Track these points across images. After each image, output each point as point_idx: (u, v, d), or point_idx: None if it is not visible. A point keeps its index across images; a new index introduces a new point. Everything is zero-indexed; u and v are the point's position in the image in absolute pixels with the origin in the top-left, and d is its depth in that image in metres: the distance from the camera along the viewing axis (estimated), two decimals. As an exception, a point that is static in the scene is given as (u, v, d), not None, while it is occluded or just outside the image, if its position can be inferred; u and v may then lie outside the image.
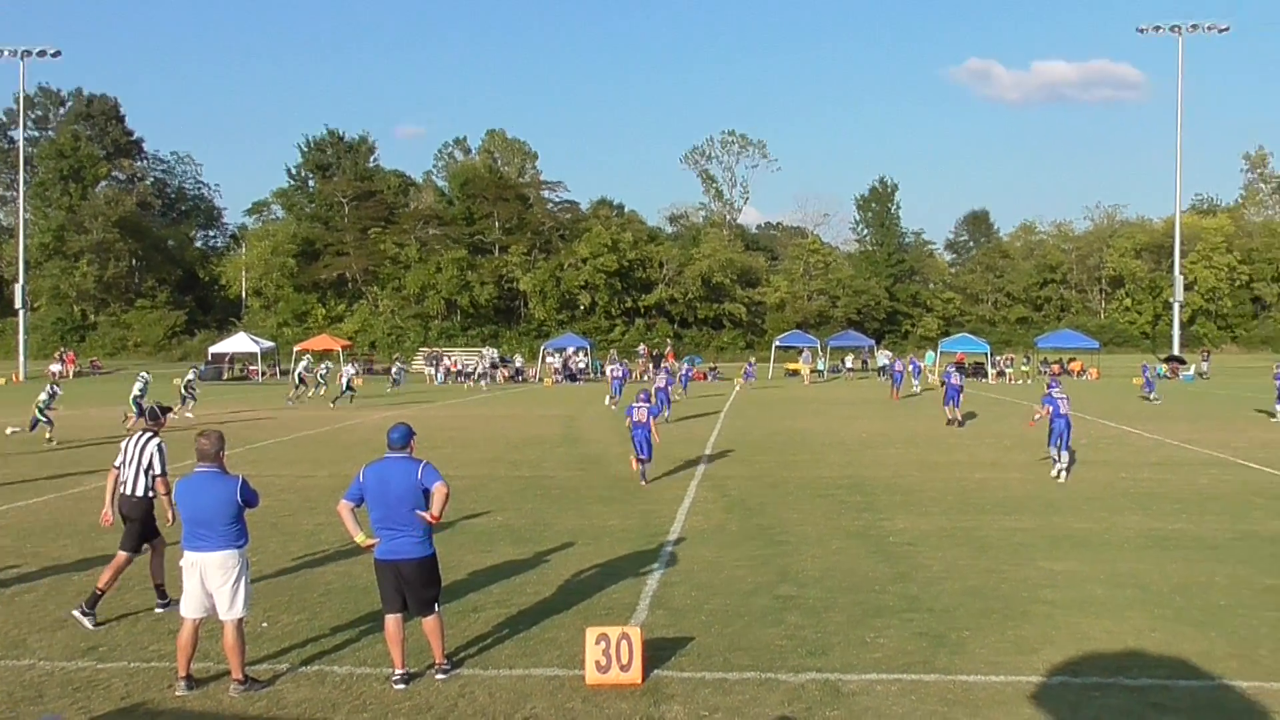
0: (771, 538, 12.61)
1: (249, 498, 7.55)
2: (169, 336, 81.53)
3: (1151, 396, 37.51)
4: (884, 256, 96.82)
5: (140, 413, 23.67)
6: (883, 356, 56.71)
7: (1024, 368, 54.75)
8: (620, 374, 37.44)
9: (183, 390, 32.36)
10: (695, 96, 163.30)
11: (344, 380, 37.63)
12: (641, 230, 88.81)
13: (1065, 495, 15.77)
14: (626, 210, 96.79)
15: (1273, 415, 28.74)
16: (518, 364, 58.33)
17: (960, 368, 55.77)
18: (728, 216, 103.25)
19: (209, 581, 7.37)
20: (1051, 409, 18.29)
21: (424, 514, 7.46)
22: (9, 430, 24.76)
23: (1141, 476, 17.70)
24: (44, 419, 23.90)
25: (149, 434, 9.72)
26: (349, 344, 66.50)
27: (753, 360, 55.45)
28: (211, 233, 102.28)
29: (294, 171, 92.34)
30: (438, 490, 7.44)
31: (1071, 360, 58.86)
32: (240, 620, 7.42)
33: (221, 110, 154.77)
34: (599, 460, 20.40)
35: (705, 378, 54.11)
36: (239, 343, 60.24)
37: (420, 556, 7.50)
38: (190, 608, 7.43)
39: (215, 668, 7.78)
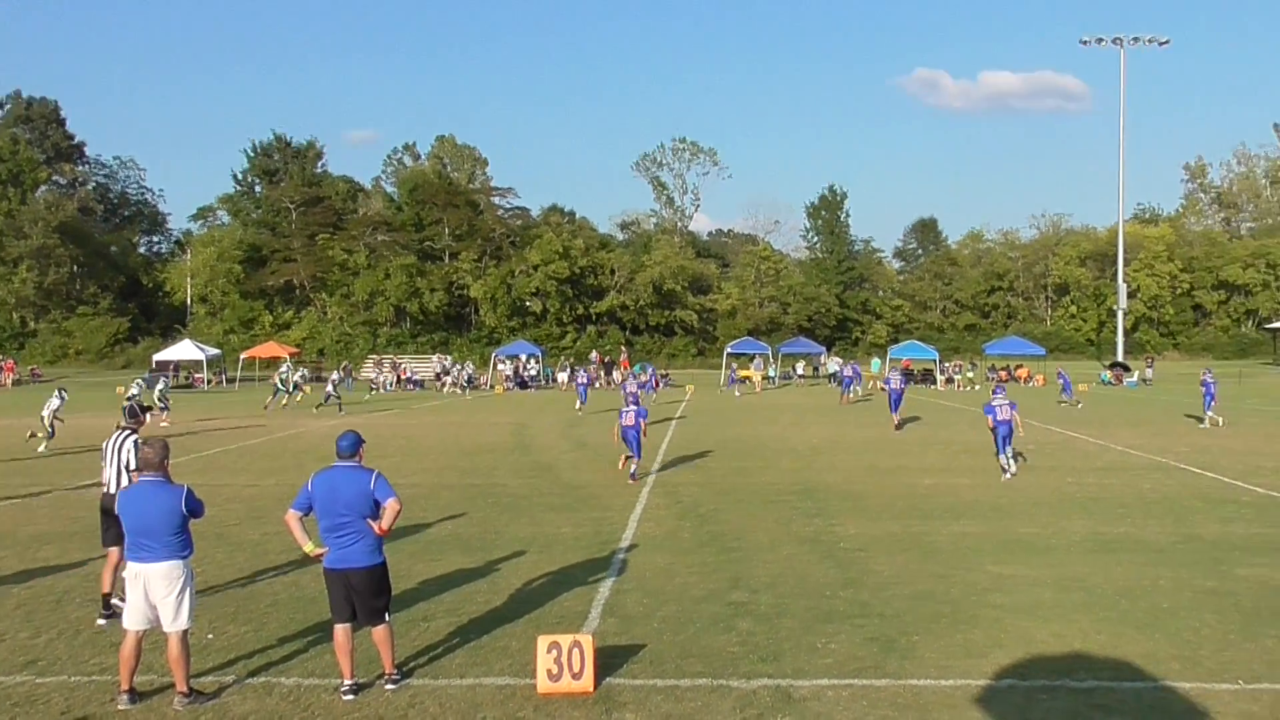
0: (723, 544, 12.64)
1: (194, 507, 7.43)
2: (111, 344, 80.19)
3: (1071, 401, 38.45)
4: (834, 264, 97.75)
5: (51, 434, 24.12)
6: (833, 363, 57.12)
7: (969, 374, 55.52)
8: (584, 380, 38.71)
9: (156, 400, 32.21)
10: (646, 104, 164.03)
11: (329, 387, 38.10)
12: (593, 237, 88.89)
13: (1013, 500, 15.97)
14: (578, 217, 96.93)
15: (1201, 420, 29.41)
16: (469, 371, 58.05)
17: (908, 374, 56.46)
18: (679, 224, 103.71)
19: (153, 593, 7.25)
20: (991, 417, 18.85)
21: (374, 524, 7.43)
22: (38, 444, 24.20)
23: (1087, 481, 17.97)
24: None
25: (127, 431, 9.82)
26: (296, 351, 65.78)
27: (734, 366, 55.86)
28: (155, 239, 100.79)
29: (240, 177, 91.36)
30: (390, 506, 7.43)
31: (1018, 367, 59.69)
32: (185, 632, 7.31)
33: (166, 114, 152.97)
34: (550, 468, 20.35)
35: (658, 385, 54.19)
36: (184, 350, 59.34)
37: (370, 565, 7.44)
38: (133, 619, 7.30)
39: (159, 680, 7.66)
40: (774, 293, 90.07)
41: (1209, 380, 29.54)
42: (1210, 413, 28.92)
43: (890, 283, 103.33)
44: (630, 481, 17.88)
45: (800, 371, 61.57)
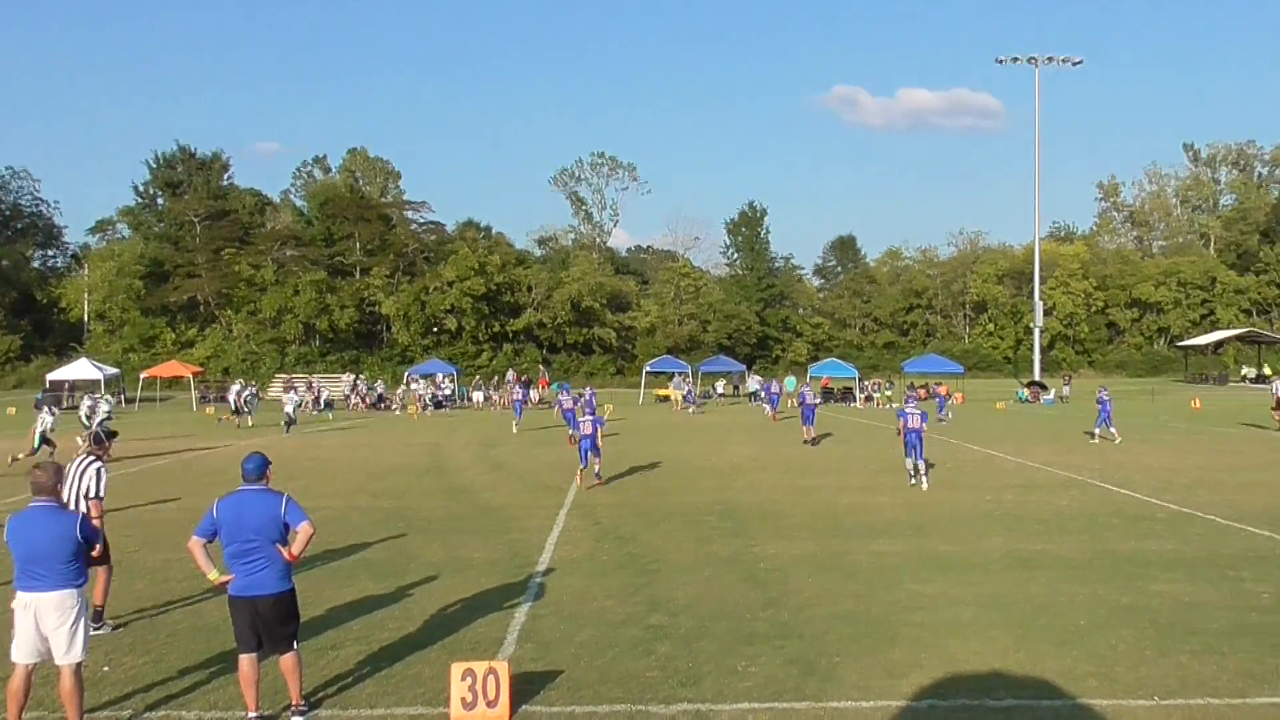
0: (642, 566, 12.64)
1: (89, 534, 7.21)
2: (2, 363, 77.80)
3: (944, 417, 39.70)
4: (754, 281, 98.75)
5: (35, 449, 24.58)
6: (753, 381, 57.56)
7: (888, 392, 56.32)
8: (520, 396, 39.27)
9: (91, 423, 30.69)
10: (565, 118, 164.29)
11: (287, 409, 37.99)
12: (509, 253, 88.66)
13: (932, 518, 16.23)
14: (494, 232, 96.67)
15: (1092, 436, 30.35)
16: (379, 391, 57.39)
17: (828, 392, 57.16)
18: (597, 239, 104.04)
19: (44, 623, 6.99)
20: (903, 421, 20.25)
21: (284, 549, 7.30)
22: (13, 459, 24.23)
23: (1005, 499, 18.35)
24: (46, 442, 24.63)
25: (91, 458, 9.88)
26: (200, 370, 64.47)
27: (688, 381, 55.96)
28: (50, 252, 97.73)
29: (142, 189, 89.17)
30: (303, 530, 7.31)
31: (937, 384, 60.55)
32: (79, 665, 7.07)
33: (62, 123, 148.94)
34: (465, 490, 20.18)
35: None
36: (80, 369, 57.62)
37: (278, 592, 7.31)
38: (22, 652, 7.03)
39: (51, 717, 7.44)
40: (694, 310, 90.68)
41: (1104, 398, 30.61)
42: (1102, 429, 29.86)
43: (810, 300, 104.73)
44: (595, 482, 20.18)
45: (720, 390, 61.99)
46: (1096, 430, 30.14)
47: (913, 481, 19.88)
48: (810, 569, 12.44)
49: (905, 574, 12.16)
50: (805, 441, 29.68)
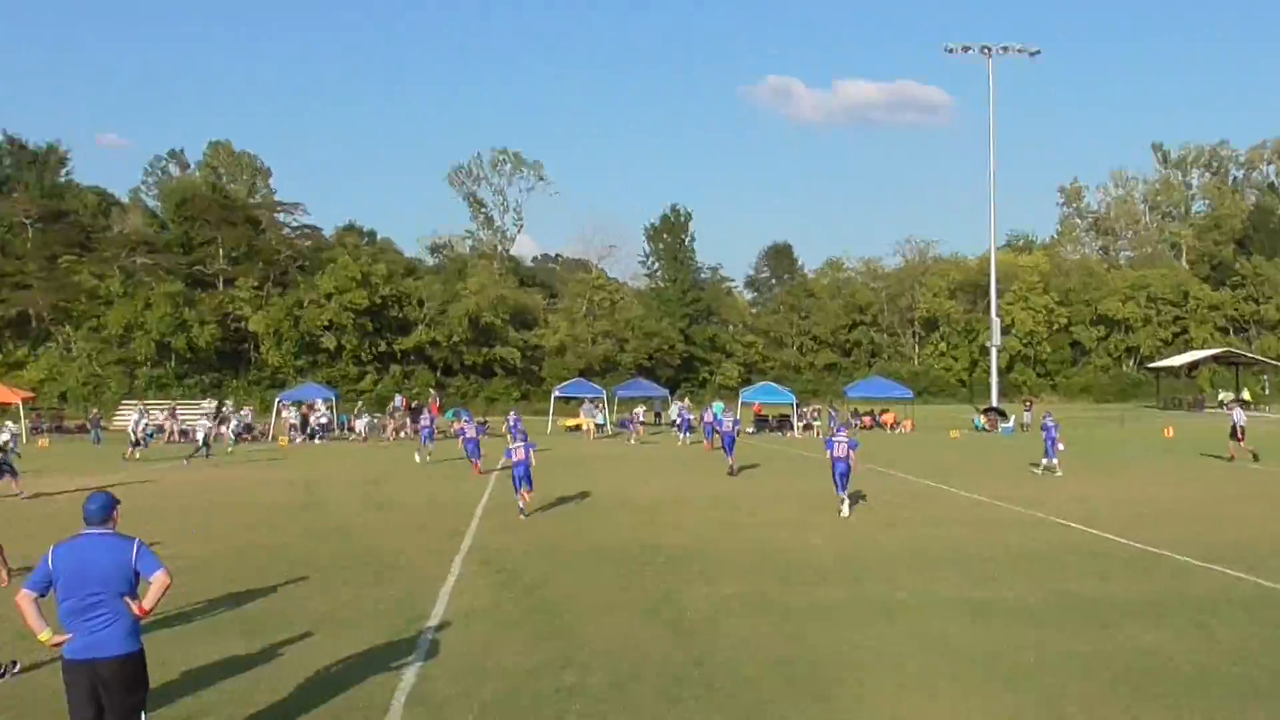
0: (552, 616, 12.70)
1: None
2: None
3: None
4: (678, 294, 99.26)
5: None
6: (677, 408, 57.77)
7: (831, 421, 56.86)
8: (429, 423, 39.77)
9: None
10: (461, 109, 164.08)
11: (200, 434, 38.46)
12: (397, 262, 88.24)
13: (874, 558, 16.51)
14: (379, 238, 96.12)
15: (1036, 467, 31.22)
16: (247, 419, 56.58)
17: (762, 420, 57.64)
18: (499, 247, 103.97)
19: None
20: (830, 451, 21.92)
21: (133, 603, 7.15)
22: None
23: (954, 535, 18.75)
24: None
25: None
26: (31, 395, 62.88)
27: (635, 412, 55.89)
28: None
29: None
30: (157, 580, 7.14)
31: (884, 411, 61.43)
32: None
33: None
34: (346, 531, 20.04)
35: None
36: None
37: (125, 653, 7.12)
38: None
39: None
40: (609, 327, 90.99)
41: (1050, 425, 31.27)
42: (1049, 460, 30.50)
43: (742, 316, 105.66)
44: (521, 518, 21.23)
45: (640, 417, 62.21)
46: (1043, 461, 30.76)
47: (843, 513, 21.28)
48: (741, 613, 12.62)
49: (845, 620, 12.39)
50: (729, 471, 31.16)
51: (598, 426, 55.06)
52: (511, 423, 34.11)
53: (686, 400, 63.46)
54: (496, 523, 21.13)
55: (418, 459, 36.34)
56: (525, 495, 21.81)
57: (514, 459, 21.93)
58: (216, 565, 16.31)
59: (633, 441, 48.14)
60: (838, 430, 23.32)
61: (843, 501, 21.70)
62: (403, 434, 50.55)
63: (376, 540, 18.85)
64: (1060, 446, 30.55)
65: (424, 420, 40.24)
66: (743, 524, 20.57)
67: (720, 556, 16.75)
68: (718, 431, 34.58)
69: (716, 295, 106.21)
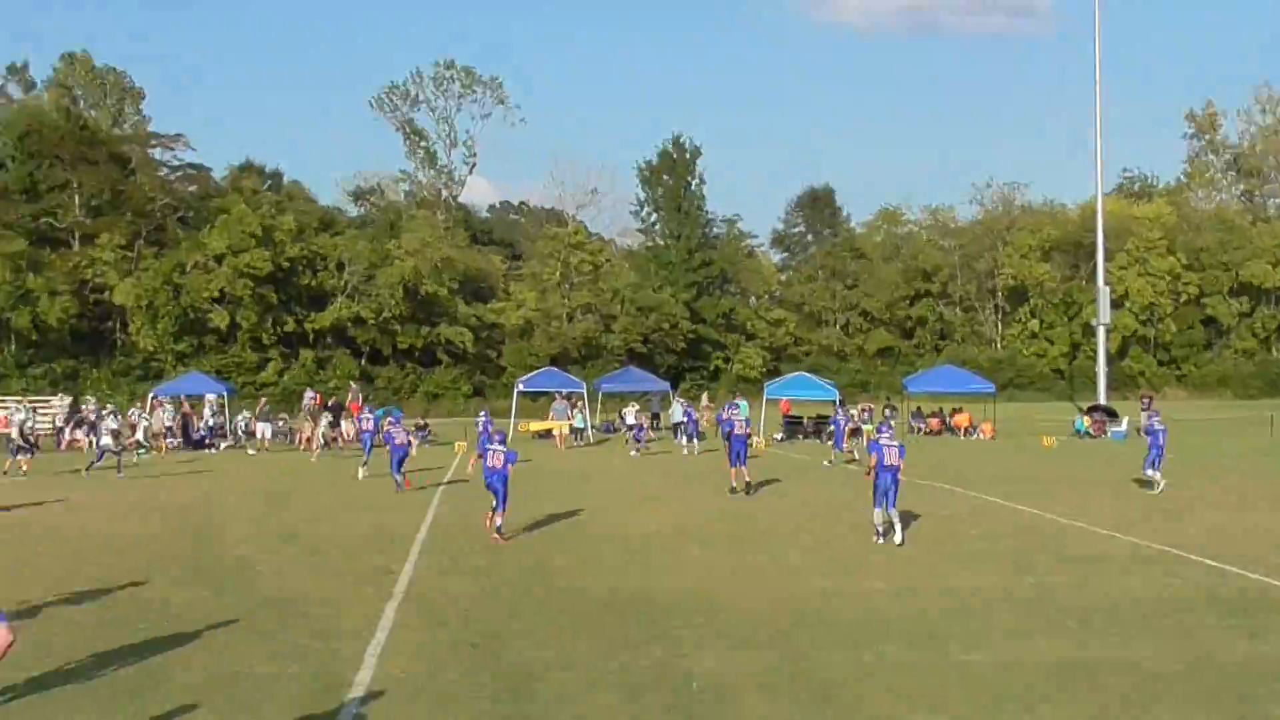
0: (513, 690, 12.65)
1: None
2: None
3: (840, 458, 41.58)
4: (682, 256, 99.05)
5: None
6: (680, 407, 57.39)
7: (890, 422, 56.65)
8: (372, 427, 39.81)
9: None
10: (394, 9, 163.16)
11: (105, 439, 40.03)
12: (310, 213, 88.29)
13: (947, 611, 16.38)
14: (286, 182, 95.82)
15: (1147, 484, 31.47)
16: (110, 421, 56.35)
17: (794, 421, 57.45)
18: (445, 193, 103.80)
19: None
20: (877, 458, 21.89)
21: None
22: None
23: (1051, 580, 18.64)
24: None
25: None
26: None
27: (634, 413, 55.96)
28: None
29: None
30: (-1, 639, 7.14)
31: (956, 411, 61.11)
32: None
33: None
34: (242, 572, 19.96)
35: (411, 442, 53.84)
36: None
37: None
38: None
39: None
40: (591, 299, 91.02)
41: (1156, 427, 31.67)
42: (1152, 471, 30.55)
43: (767, 285, 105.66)
44: (494, 539, 22.52)
45: (631, 420, 62.02)
46: (1147, 473, 30.85)
47: (880, 539, 22.02)
48: (766, 691, 12.50)
49: (909, 696, 12.29)
50: (734, 489, 31.53)
51: (575, 432, 54.87)
52: (481, 424, 34.49)
53: (705, 398, 63.32)
54: (441, 558, 21.11)
55: (362, 474, 36.36)
56: (498, 518, 22.82)
57: (488, 464, 23.00)
58: (62, 619, 16.20)
59: (635, 454, 47.81)
60: (882, 429, 23.71)
61: (890, 524, 22.04)
62: (318, 443, 50.47)
63: (282, 583, 18.77)
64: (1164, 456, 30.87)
65: (365, 423, 39.94)
66: (765, 566, 20.42)
67: (737, 608, 16.65)
68: (722, 435, 34.67)
69: (734, 257, 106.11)
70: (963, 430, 58.50)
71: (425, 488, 32.42)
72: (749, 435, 34.29)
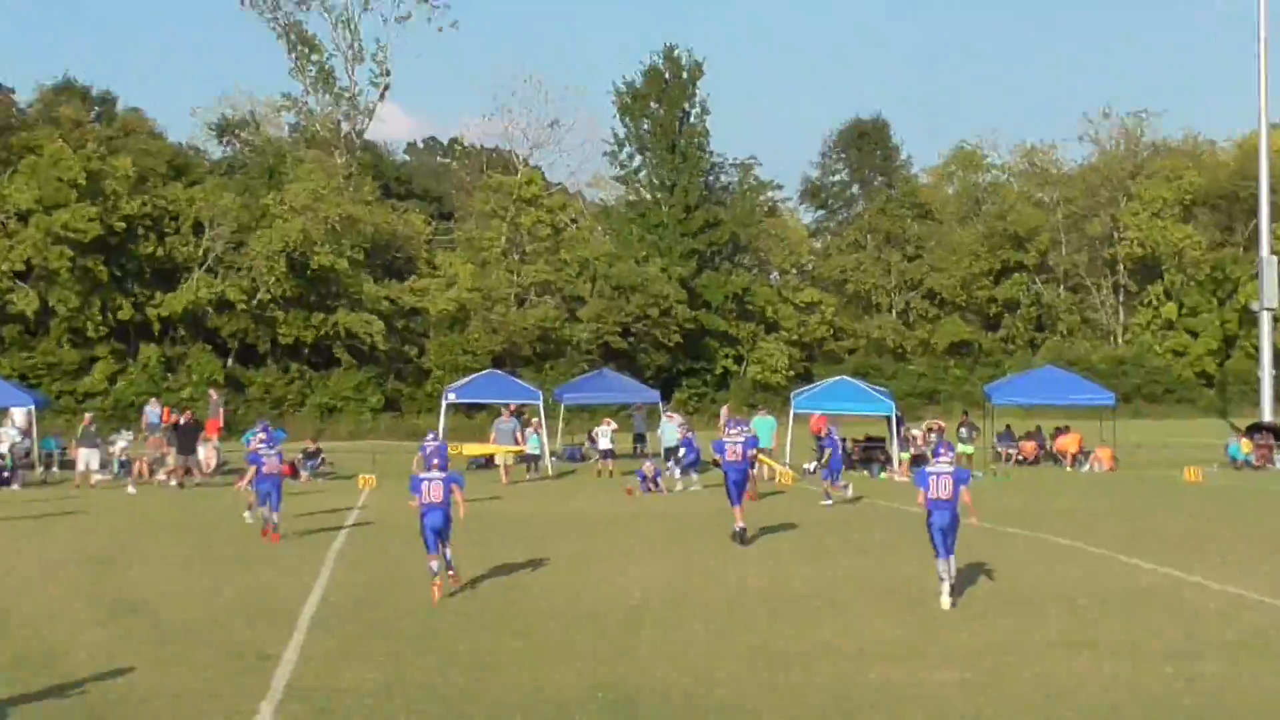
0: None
1: None
2: None
3: (835, 492, 42.09)
4: (677, 216, 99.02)
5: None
6: (674, 428, 57.11)
7: (964, 445, 56.20)
8: (270, 448, 37.05)
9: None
10: None
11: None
12: (156, 153, 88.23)
13: (1054, 715, 16.24)
14: (121, 109, 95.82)
15: None
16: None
17: (827, 442, 57.30)
18: (346, 127, 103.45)
19: None
20: (924, 490, 22.03)
21: None
22: None
23: (1202, 671, 18.48)
24: None
25: None
26: None
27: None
28: None
29: None
30: None
31: (1060, 431, 61.06)
32: None
33: None
34: (51, 661, 19.75)
35: (293, 472, 53.56)
36: None
37: None
38: None
39: None
40: (548, 274, 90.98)
41: None
42: None
43: (795, 254, 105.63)
44: (444, 585, 23.74)
45: (605, 444, 61.77)
46: None
47: (946, 601, 22.56)
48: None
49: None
50: (735, 535, 32.11)
51: (527, 460, 54.68)
52: (427, 448, 34.84)
53: (675, 414, 63.11)
54: (338, 639, 21.09)
55: (248, 518, 36.52)
56: (443, 554, 23.75)
57: (424, 499, 23.70)
58: None
59: (637, 492, 47.46)
60: (939, 452, 23.84)
61: (944, 580, 22.60)
62: (162, 473, 50.36)
63: (112, 676, 18.57)
64: None
65: (259, 443, 39.06)
66: (795, 652, 20.26)
67: (758, 710, 16.53)
68: (718, 457, 34.58)
69: (749, 216, 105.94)
70: (1070, 458, 58.49)
71: (315, 533, 32.37)
72: (753, 461, 34.74)
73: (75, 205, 77.93)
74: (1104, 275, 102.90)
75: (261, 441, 34.88)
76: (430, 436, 43.24)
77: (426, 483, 23.88)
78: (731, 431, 35.13)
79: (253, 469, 34.15)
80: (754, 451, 35.60)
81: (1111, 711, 16.43)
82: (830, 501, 41.53)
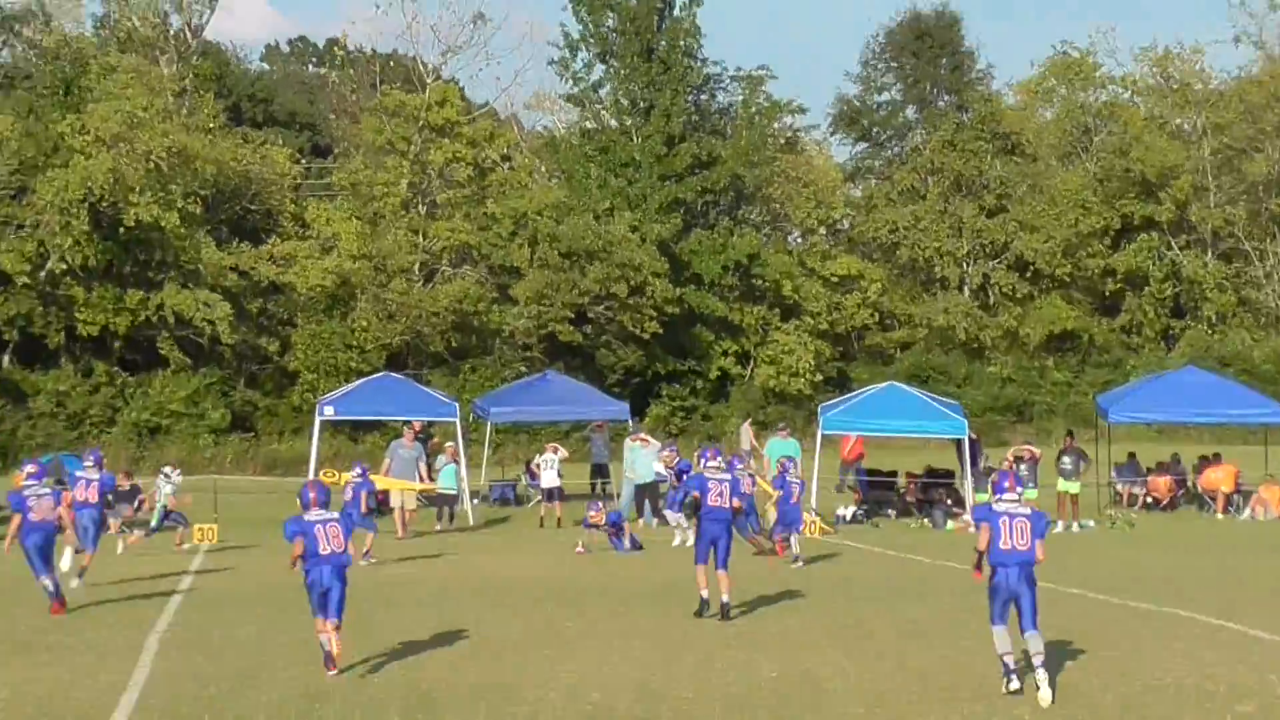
0: None
1: None
2: None
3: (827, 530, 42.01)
4: (654, 149, 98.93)
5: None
6: (646, 451, 57.23)
7: (1069, 482, 56.13)
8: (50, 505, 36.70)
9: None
10: None
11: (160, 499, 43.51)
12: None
13: None
14: None
15: None
16: None
17: (876, 477, 57.47)
18: (174, 18, 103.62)
19: None
20: (990, 534, 21.46)
21: None
22: None
23: None
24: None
25: None
26: None
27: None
28: None
29: None
30: None
31: (1207, 461, 61.08)
32: None
33: None
34: None
35: (102, 521, 53.75)
36: None
37: None
38: None
39: None
40: (467, 234, 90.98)
41: None
42: None
43: (825, 206, 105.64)
44: (330, 672, 24.11)
45: (550, 479, 61.83)
46: None
47: (1012, 682, 21.64)
48: None
49: None
50: (702, 607, 32.97)
51: (438, 502, 54.65)
52: (352, 488, 35.72)
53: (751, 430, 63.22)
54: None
55: (75, 584, 36.43)
56: (334, 638, 24.17)
57: (321, 550, 24.06)
58: None
59: (595, 548, 47.50)
60: (1002, 485, 23.77)
61: (1028, 660, 21.48)
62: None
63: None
64: None
65: (25, 479, 39.07)
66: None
67: None
68: (690, 497, 34.63)
69: (757, 150, 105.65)
70: (1222, 500, 58.38)
71: (128, 603, 32.37)
72: (748, 497, 35.40)
73: None
74: (1271, 237, 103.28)
75: (30, 476, 34.50)
76: (357, 468, 43.58)
77: (321, 528, 23.92)
78: (710, 469, 34.91)
79: (16, 519, 33.59)
80: (738, 501, 35.36)
81: None
82: (799, 561, 41.46)
